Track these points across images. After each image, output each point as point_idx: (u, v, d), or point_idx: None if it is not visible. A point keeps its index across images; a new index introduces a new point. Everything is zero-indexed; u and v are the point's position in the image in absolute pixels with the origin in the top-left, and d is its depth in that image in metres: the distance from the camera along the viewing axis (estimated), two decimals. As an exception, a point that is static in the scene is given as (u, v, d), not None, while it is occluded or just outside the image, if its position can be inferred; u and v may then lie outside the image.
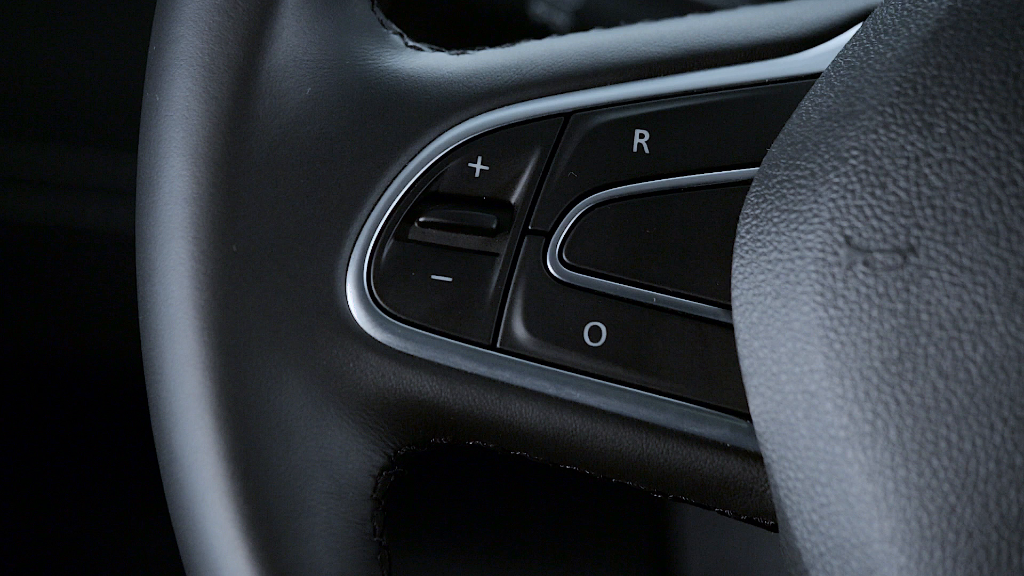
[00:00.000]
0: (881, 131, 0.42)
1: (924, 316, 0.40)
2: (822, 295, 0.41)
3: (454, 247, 0.46)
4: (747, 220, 0.44)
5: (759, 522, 0.46)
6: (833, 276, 0.41)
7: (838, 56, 0.46)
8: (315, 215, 0.45)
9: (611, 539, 1.04)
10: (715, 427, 0.45)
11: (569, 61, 0.48)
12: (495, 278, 0.46)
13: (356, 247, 0.46)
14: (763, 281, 0.43)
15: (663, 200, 0.46)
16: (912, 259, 0.40)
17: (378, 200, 0.46)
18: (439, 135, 0.47)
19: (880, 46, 0.44)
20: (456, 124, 0.47)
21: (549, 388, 0.45)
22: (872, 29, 0.45)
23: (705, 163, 0.47)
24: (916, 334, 0.40)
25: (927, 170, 0.41)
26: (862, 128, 0.42)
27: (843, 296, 0.41)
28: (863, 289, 0.41)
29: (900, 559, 0.39)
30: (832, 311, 0.41)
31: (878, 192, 0.41)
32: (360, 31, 0.48)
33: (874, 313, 0.40)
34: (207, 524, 0.42)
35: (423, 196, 0.46)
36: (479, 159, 0.47)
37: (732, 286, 0.44)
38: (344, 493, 0.44)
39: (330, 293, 0.45)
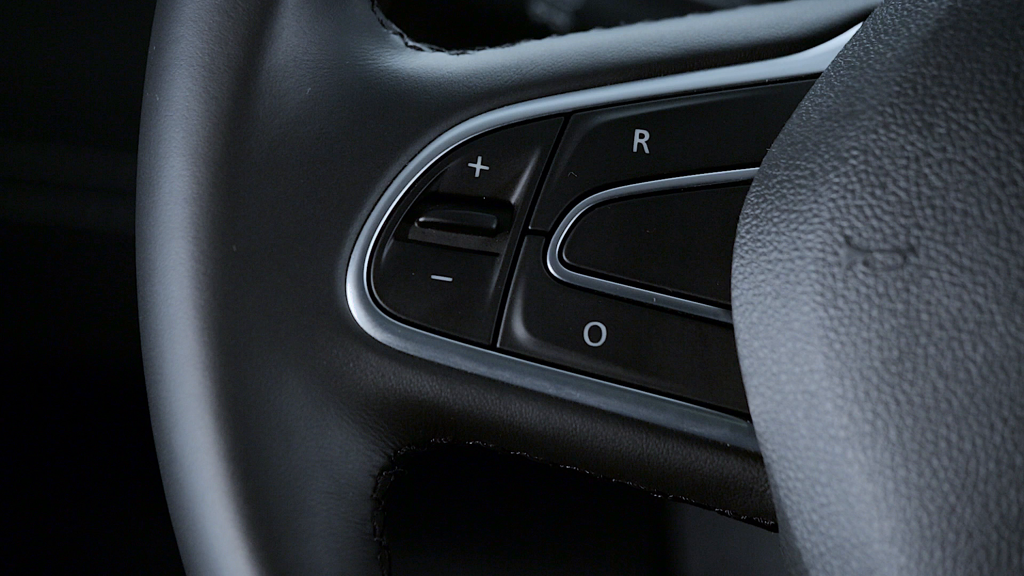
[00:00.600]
0: (881, 131, 0.42)
1: (924, 316, 0.40)
2: (822, 295, 0.41)
3: (454, 247, 0.46)
4: (747, 220, 0.44)
5: (759, 522, 0.46)
6: (833, 276, 0.41)
7: (838, 56, 0.46)
8: (315, 215, 0.45)
9: (611, 539, 1.04)
10: (715, 427, 0.45)
11: (569, 61, 0.48)
12: (495, 278, 0.46)
13: (356, 247, 0.46)
14: (763, 281, 0.43)
15: (663, 200, 0.46)
16: (912, 259, 0.40)
17: (378, 200, 0.46)
18: (439, 135, 0.47)
19: (880, 46, 0.44)
20: (456, 124, 0.47)
21: (549, 388, 0.45)
22: (872, 29, 0.45)
23: (705, 163, 0.47)
24: (916, 334, 0.40)
25: (927, 170, 0.41)
26: (862, 128, 0.42)
27: (843, 296, 0.41)
28: (863, 289, 0.41)
29: (900, 559, 0.39)
30: (832, 311, 0.41)
31: (878, 192, 0.41)
32: (360, 31, 0.48)
33: (874, 313, 0.40)
34: (207, 524, 0.42)
35: (423, 196, 0.46)
36: (479, 159, 0.47)
37: (732, 286, 0.44)
38: (344, 493, 0.44)
39: (330, 293, 0.45)
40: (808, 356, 0.41)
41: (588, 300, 0.46)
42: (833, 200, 0.42)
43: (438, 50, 0.49)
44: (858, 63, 0.44)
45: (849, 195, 0.42)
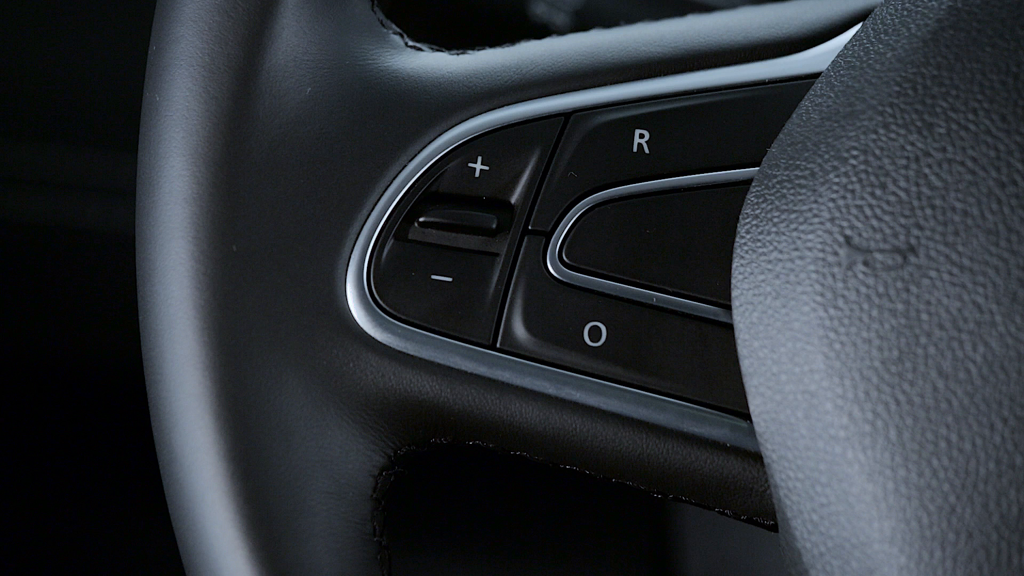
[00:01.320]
0: (881, 131, 0.42)
1: (924, 316, 0.40)
2: (822, 295, 0.41)
3: (454, 247, 0.46)
4: (747, 220, 0.44)
5: (759, 522, 0.46)
6: (833, 276, 0.41)
7: (838, 56, 0.46)
8: (315, 215, 0.45)
9: (611, 539, 1.04)
10: (715, 427, 0.45)
11: (569, 61, 0.48)
12: (495, 278, 0.46)
13: (356, 247, 0.46)
14: (763, 281, 0.43)
15: (663, 200, 0.46)
16: (912, 259, 0.40)
17: (378, 200, 0.46)
18: (439, 135, 0.47)
19: (880, 46, 0.44)
20: (456, 124, 0.47)
21: (549, 388, 0.45)
22: (872, 29, 0.45)
23: (705, 163, 0.47)
24: (916, 334, 0.40)
25: (927, 170, 0.41)
26: (862, 128, 0.42)
27: (843, 296, 0.41)
28: (863, 289, 0.41)
29: (900, 559, 0.39)
30: (832, 311, 0.41)
31: (878, 192, 0.41)
32: (360, 31, 0.48)
33: (874, 313, 0.40)
34: (207, 524, 0.42)
35: (423, 196, 0.46)
36: (479, 159, 0.47)
37: (732, 286, 0.44)
38: (344, 493, 0.44)
39: (330, 293, 0.45)
40: (808, 356, 0.41)
41: (588, 300, 0.46)
42: (833, 200, 0.42)
43: (438, 50, 0.49)
44: (858, 63, 0.44)
45: (849, 195, 0.42)
